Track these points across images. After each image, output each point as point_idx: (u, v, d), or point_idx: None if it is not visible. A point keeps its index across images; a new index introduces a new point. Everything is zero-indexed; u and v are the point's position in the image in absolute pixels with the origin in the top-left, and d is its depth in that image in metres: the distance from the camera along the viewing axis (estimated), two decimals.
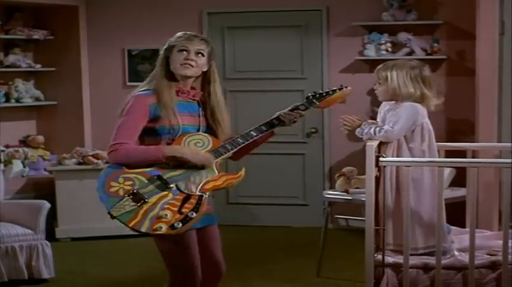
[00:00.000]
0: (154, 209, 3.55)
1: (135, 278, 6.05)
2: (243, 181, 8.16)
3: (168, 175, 3.65)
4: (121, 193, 3.58)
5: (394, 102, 4.53)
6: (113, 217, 3.56)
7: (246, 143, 3.80)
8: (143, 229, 3.52)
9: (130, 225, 3.52)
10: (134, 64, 7.91)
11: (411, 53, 7.17)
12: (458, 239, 4.65)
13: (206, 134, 3.80)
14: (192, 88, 3.85)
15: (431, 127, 4.53)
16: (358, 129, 4.59)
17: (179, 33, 3.87)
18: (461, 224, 5.08)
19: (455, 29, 7.21)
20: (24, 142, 7.91)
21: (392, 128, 4.40)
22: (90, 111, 8.05)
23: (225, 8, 7.70)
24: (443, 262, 4.27)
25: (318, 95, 3.97)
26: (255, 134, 3.82)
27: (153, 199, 3.58)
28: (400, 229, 4.29)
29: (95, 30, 7.97)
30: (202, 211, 3.61)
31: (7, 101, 7.65)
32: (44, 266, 5.84)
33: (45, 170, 7.71)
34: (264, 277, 5.99)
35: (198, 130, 3.81)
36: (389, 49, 7.25)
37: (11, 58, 7.64)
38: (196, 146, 3.73)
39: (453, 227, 4.82)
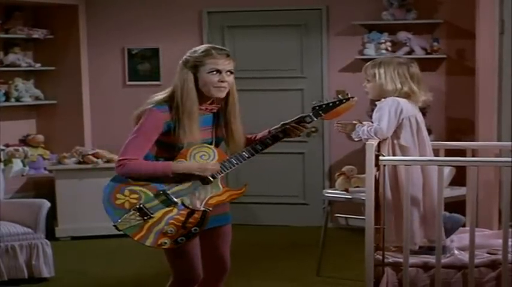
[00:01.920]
0: (160, 224, 3.63)
1: (135, 277, 6.05)
2: (243, 180, 8.18)
3: (173, 189, 3.67)
4: (127, 205, 3.63)
5: (383, 100, 4.53)
6: (118, 230, 3.63)
7: (251, 156, 3.78)
8: (147, 243, 3.63)
9: (136, 238, 3.63)
10: (134, 63, 7.91)
11: (411, 52, 7.17)
12: (458, 238, 4.65)
13: (212, 147, 3.77)
14: (212, 102, 3.79)
15: (421, 123, 4.51)
16: (353, 133, 4.59)
17: (201, 48, 3.74)
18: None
19: (455, 28, 7.21)
20: (24, 141, 7.92)
21: (379, 125, 4.41)
22: (90, 110, 8.05)
23: (225, 7, 7.70)
24: (443, 260, 4.27)
25: (324, 106, 3.86)
26: (260, 147, 3.80)
27: (158, 214, 3.64)
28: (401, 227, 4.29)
29: (94, 29, 7.97)
30: (207, 223, 3.68)
31: (7, 100, 7.66)
32: (44, 265, 5.84)
33: (45, 169, 7.71)
34: (264, 276, 6.00)
35: (211, 142, 3.78)
36: (389, 48, 7.25)
37: (11, 57, 7.64)
38: (201, 159, 3.71)
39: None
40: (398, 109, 4.41)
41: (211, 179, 3.71)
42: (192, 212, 3.66)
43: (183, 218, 3.64)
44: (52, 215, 6.88)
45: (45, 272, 5.85)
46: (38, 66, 7.84)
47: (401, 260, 4.26)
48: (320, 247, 5.96)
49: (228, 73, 3.73)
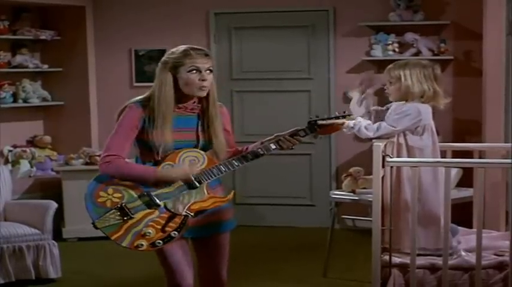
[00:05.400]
0: (139, 225, 3.59)
1: (142, 279, 6.05)
2: (250, 181, 8.19)
3: (158, 191, 3.63)
4: (108, 204, 3.59)
5: (403, 102, 4.51)
6: (96, 228, 3.60)
7: (241, 165, 3.73)
8: (124, 244, 3.61)
9: (113, 238, 3.60)
10: (141, 64, 7.92)
11: (418, 53, 7.16)
12: (465, 239, 4.64)
13: (203, 152, 3.72)
14: (194, 102, 3.75)
15: (434, 129, 4.52)
16: (349, 128, 4.52)
17: (180, 49, 3.71)
18: (468, 225, 5.07)
19: (462, 29, 7.20)
20: (32, 142, 7.93)
21: (395, 127, 4.40)
22: (97, 111, 8.07)
23: (232, 9, 7.71)
24: (450, 262, 4.27)
25: (320, 122, 3.89)
26: (250, 157, 3.76)
27: (139, 215, 3.60)
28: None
29: (101, 31, 7.99)
30: (185, 230, 3.62)
31: (14, 101, 7.67)
32: (51, 266, 5.86)
33: (52, 170, 7.72)
34: (270, 277, 5.99)
35: (197, 145, 3.73)
36: (396, 49, 7.24)
37: (19, 58, 7.66)
38: (190, 163, 3.67)
39: (460, 228, 4.81)
40: (417, 117, 4.41)
41: (197, 184, 3.65)
42: (173, 216, 3.61)
43: (163, 221, 3.60)
44: (59, 216, 6.89)
45: (52, 273, 5.86)
46: (45, 67, 7.86)
47: (408, 261, 4.26)
48: (327, 249, 5.95)
49: (208, 72, 3.68)
